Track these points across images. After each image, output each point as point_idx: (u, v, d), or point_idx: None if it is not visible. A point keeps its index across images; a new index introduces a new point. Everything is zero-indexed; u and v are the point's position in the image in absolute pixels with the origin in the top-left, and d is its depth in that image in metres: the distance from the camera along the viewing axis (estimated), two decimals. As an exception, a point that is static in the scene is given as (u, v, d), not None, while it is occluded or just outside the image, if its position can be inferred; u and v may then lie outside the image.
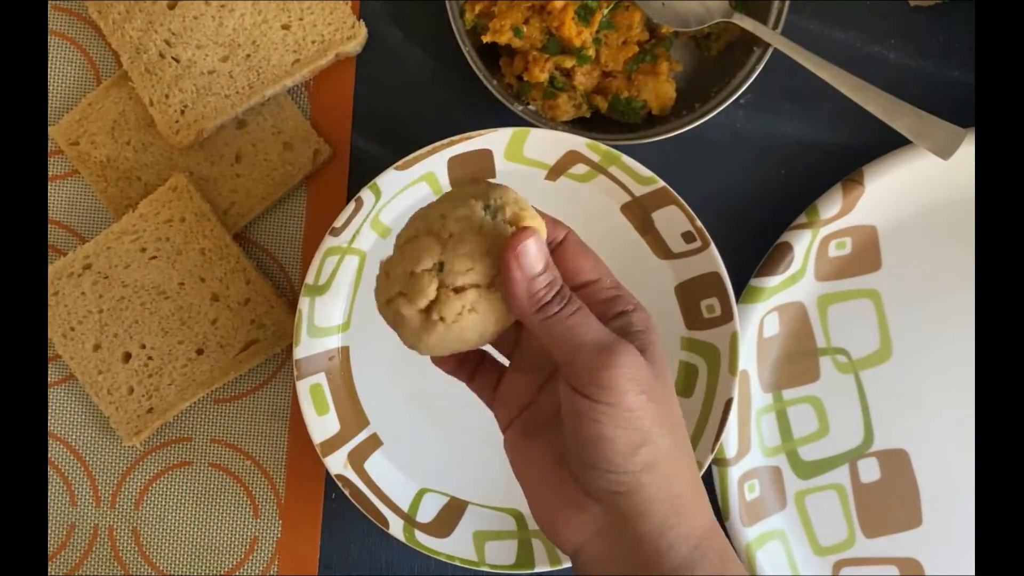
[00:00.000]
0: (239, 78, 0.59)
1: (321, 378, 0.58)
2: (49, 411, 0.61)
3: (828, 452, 0.60)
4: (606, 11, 0.58)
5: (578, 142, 0.55)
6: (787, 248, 0.59)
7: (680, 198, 0.56)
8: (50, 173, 0.62)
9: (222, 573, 0.61)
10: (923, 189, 0.59)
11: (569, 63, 0.58)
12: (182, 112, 0.59)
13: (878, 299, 0.60)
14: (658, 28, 0.59)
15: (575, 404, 0.39)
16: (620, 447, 0.38)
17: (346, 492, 0.57)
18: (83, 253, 0.59)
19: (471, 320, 0.40)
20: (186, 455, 0.62)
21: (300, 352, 0.57)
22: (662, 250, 0.58)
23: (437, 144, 0.55)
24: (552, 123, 0.58)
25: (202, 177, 0.61)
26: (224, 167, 0.61)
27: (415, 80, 0.62)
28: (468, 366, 0.47)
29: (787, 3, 0.58)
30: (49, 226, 0.62)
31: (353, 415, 0.59)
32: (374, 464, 0.59)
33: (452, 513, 0.59)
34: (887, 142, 0.58)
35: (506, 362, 0.47)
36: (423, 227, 0.42)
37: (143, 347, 0.59)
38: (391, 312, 0.41)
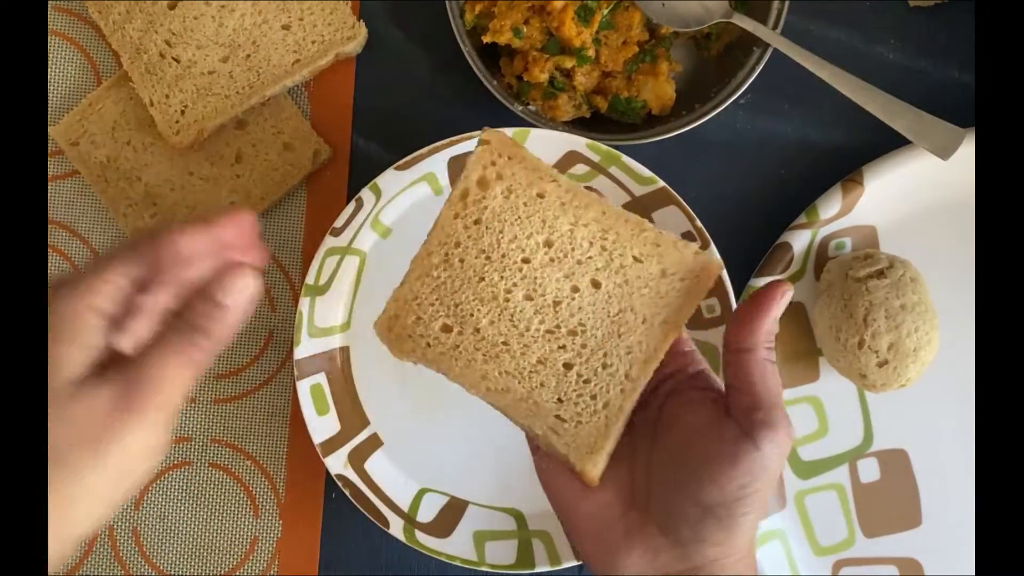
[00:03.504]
0: (239, 78, 0.59)
1: (321, 378, 0.58)
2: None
3: (828, 452, 0.60)
4: (606, 11, 0.58)
5: (578, 142, 0.55)
6: (787, 248, 0.59)
7: (680, 198, 0.56)
8: (50, 173, 0.62)
9: (222, 573, 0.61)
10: (923, 189, 0.59)
11: (569, 63, 0.58)
12: (182, 112, 0.59)
13: (878, 299, 0.60)
14: (658, 28, 0.59)
15: (736, 444, 0.39)
16: (757, 501, 0.39)
17: (346, 492, 0.57)
18: None
19: None
20: (186, 455, 0.62)
21: (300, 352, 0.57)
22: (662, 250, 0.58)
23: (437, 144, 0.55)
24: (552, 123, 0.58)
25: (202, 177, 0.61)
26: (224, 167, 0.61)
27: (415, 80, 0.62)
28: None
29: (787, 3, 0.58)
30: (49, 226, 0.62)
31: (353, 415, 0.59)
32: (374, 464, 0.59)
33: (452, 513, 0.59)
34: (887, 142, 0.58)
35: None
36: None
37: None
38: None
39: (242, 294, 0.39)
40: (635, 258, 0.41)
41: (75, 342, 0.37)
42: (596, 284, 0.41)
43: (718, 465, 0.39)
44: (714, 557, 0.39)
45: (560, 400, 0.41)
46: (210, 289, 0.39)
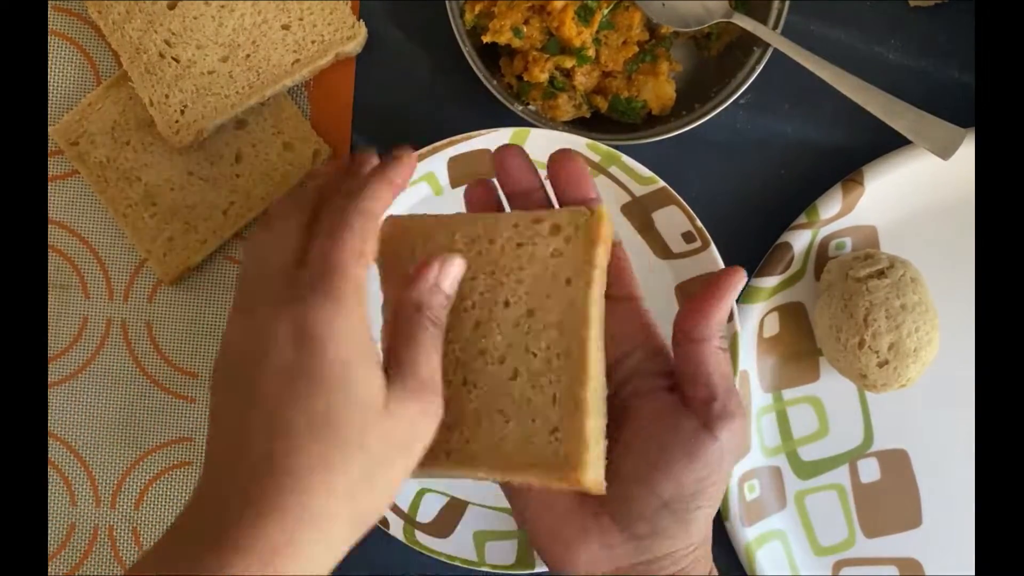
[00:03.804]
0: (239, 78, 0.59)
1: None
2: (49, 411, 0.61)
3: (828, 452, 0.60)
4: (606, 11, 0.58)
5: (578, 142, 0.55)
6: (787, 248, 0.59)
7: (680, 198, 0.56)
8: (50, 173, 0.62)
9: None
10: (923, 189, 0.59)
11: (569, 63, 0.58)
12: (182, 112, 0.59)
13: (878, 299, 0.60)
14: (658, 28, 0.59)
15: (695, 436, 0.39)
16: (714, 494, 0.40)
17: (346, 492, 0.57)
18: None
19: None
20: (186, 455, 0.61)
21: (300, 352, 0.57)
22: (662, 250, 0.58)
23: (437, 144, 0.55)
24: (552, 123, 0.58)
25: (202, 177, 0.61)
26: (224, 167, 0.61)
27: (415, 80, 0.62)
28: None
29: (787, 3, 0.58)
30: (49, 226, 0.62)
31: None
32: (374, 464, 0.59)
33: (452, 513, 0.59)
34: (887, 142, 0.58)
35: None
36: None
37: None
38: None
39: (455, 279, 0.40)
40: (518, 244, 0.41)
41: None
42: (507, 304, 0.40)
43: (677, 459, 0.39)
44: (668, 550, 0.39)
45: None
46: (429, 272, 0.40)
